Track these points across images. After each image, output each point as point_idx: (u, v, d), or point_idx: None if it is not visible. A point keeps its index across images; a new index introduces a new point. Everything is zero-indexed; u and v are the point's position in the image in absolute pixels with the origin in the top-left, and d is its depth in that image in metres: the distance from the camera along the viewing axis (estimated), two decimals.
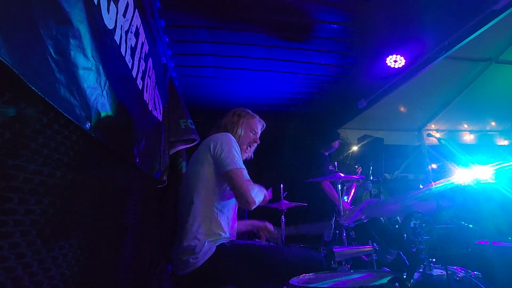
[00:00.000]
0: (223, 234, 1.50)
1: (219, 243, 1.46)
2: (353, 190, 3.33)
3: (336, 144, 3.54)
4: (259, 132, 1.84)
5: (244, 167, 1.51)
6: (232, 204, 1.59)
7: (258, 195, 1.51)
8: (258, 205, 1.50)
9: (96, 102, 0.98)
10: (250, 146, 1.78)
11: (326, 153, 3.54)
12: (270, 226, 1.89)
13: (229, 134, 1.61)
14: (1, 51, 0.53)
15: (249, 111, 1.84)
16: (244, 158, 1.74)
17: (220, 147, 1.51)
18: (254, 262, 1.46)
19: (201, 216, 1.48)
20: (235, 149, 1.53)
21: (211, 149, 1.52)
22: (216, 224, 1.49)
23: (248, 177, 1.49)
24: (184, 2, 2.20)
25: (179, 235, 1.54)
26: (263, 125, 1.86)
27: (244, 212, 2.65)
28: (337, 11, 2.33)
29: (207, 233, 1.46)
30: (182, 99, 2.90)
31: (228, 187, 1.52)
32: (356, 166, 3.29)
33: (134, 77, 1.52)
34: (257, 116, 1.85)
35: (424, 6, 2.27)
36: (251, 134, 1.78)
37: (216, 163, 1.50)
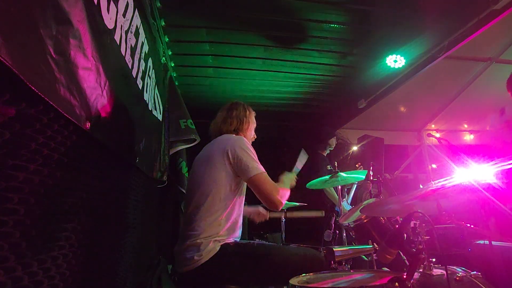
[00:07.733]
0: (228, 236, 1.52)
1: (224, 242, 1.48)
2: (353, 190, 3.32)
3: (332, 142, 3.52)
4: None
5: (264, 170, 1.55)
6: (240, 208, 1.61)
7: (284, 195, 1.57)
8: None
9: (96, 102, 0.98)
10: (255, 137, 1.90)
11: (325, 154, 3.53)
12: (262, 210, 2.01)
13: (243, 138, 1.64)
14: (1, 51, 0.53)
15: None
16: None
17: (240, 153, 1.53)
18: (256, 262, 1.46)
19: (210, 218, 1.49)
20: (253, 152, 1.57)
21: (229, 154, 1.53)
22: (224, 227, 1.51)
23: (270, 179, 1.54)
24: (184, 2, 2.20)
25: (184, 233, 1.54)
26: None
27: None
28: (337, 11, 2.33)
29: (214, 234, 1.47)
30: (182, 99, 2.90)
31: (238, 191, 1.57)
32: (357, 165, 3.26)
33: (134, 77, 1.52)
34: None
35: (424, 6, 2.26)
36: (254, 125, 1.88)
37: (235, 169, 1.53)
